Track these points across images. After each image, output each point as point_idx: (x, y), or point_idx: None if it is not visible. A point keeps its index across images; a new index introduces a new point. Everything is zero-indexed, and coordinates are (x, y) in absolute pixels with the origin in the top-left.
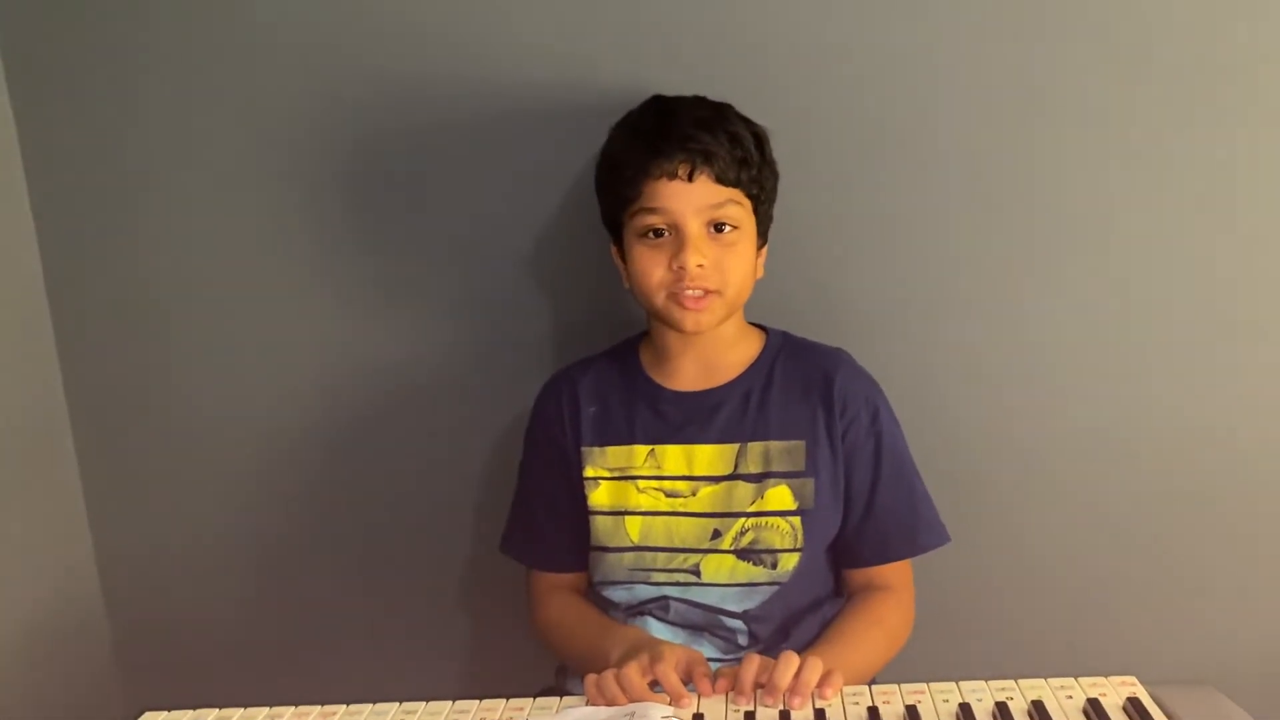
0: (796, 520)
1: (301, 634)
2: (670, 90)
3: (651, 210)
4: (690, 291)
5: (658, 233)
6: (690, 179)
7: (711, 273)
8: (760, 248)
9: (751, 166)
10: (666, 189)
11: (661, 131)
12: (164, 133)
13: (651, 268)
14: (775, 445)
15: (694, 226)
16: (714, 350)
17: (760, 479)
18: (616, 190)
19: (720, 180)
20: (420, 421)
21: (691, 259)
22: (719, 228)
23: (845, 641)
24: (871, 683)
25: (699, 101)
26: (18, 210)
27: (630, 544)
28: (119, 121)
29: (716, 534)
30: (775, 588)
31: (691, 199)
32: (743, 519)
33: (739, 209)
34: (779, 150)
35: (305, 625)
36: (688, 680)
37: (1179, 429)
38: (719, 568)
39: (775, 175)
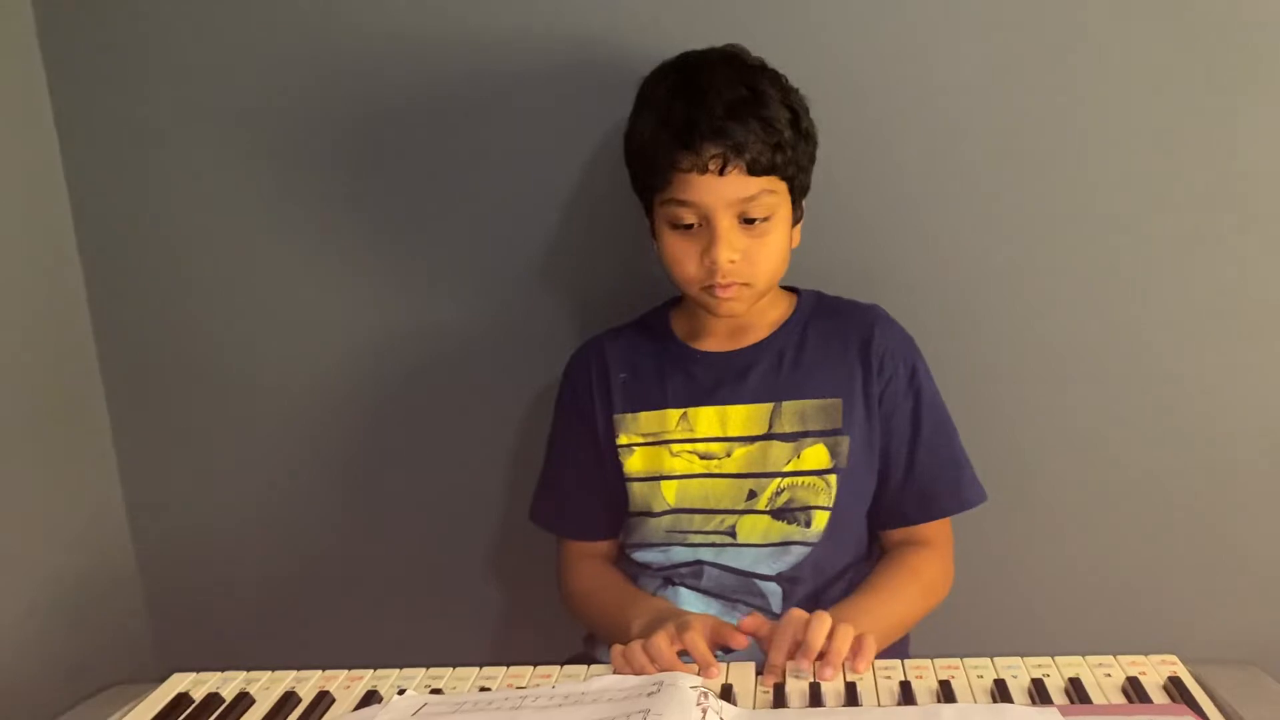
0: (832, 478)
1: (330, 599)
2: (699, 45)
3: (681, 203)
4: (722, 281)
5: (688, 224)
6: (721, 173)
7: (742, 266)
8: (797, 221)
9: (785, 149)
10: (697, 182)
11: (690, 122)
12: (197, 112)
13: (683, 259)
14: (811, 404)
15: (725, 221)
16: (748, 314)
17: (797, 438)
18: (644, 176)
19: (752, 171)
20: (450, 391)
21: (723, 254)
22: (751, 219)
23: (881, 592)
24: (904, 657)
25: (730, 75)
26: (53, 180)
27: (667, 507)
28: (152, 100)
29: (752, 494)
30: (808, 548)
31: (723, 193)
32: (779, 479)
33: (772, 196)
34: (817, 115)
35: (334, 590)
36: (716, 648)
37: (1225, 403)
38: (754, 528)
39: (813, 142)
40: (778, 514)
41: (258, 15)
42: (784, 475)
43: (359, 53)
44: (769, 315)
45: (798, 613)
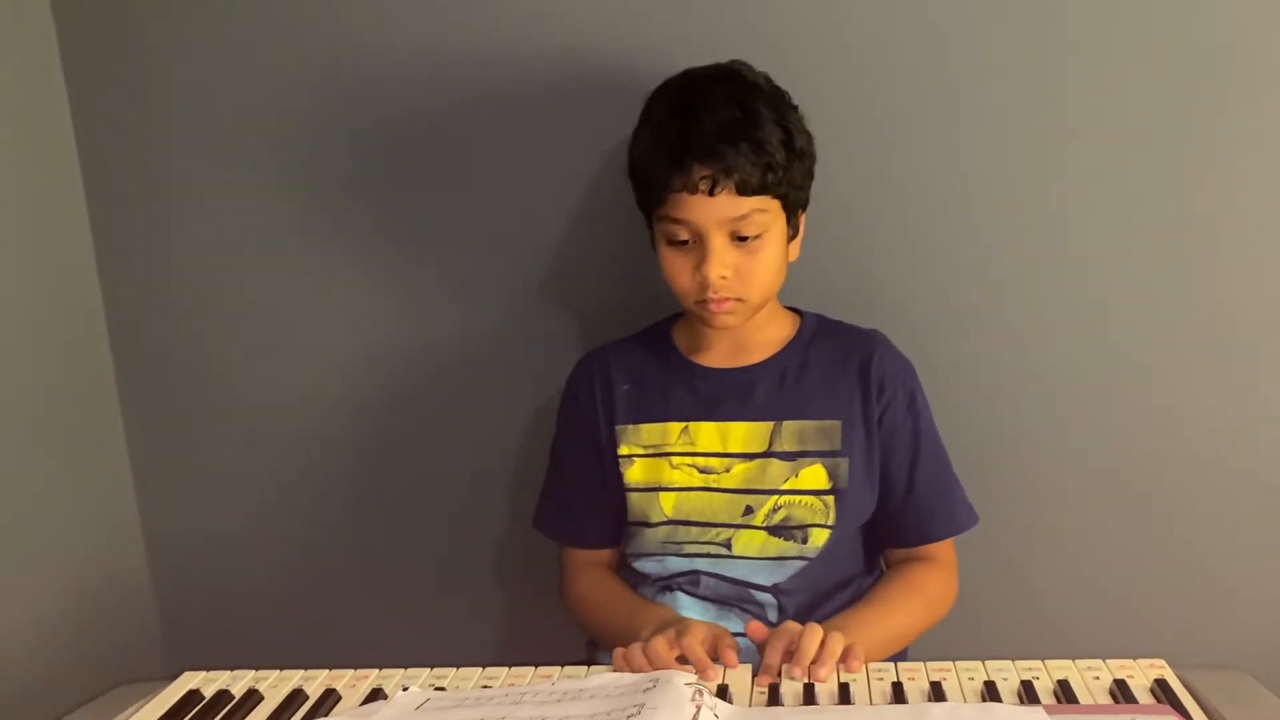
0: (830, 499)
1: (339, 601)
2: (703, 59)
3: (675, 220)
4: (714, 296)
5: (682, 240)
6: (711, 193)
7: (734, 282)
8: (793, 237)
9: (777, 170)
10: (688, 201)
11: (682, 141)
12: (213, 129)
13: (677, 273)
14: (810, 425)
15: (716, 239)
16: (747, 331)
17: (795, 457)
18: (642, 192)
19: (742, 191)
20: (456, 399)
21: (713, 271)
22: (743, 236)
23: (880, 605)
24: (897, 660)
25: (726, 95)
26: (73, 201)
27: (664, 518)
28: (169, 118)
29: (749, 510)
30: (804, 562)
31: (713, 212)
32: (775, 496)
33: (764, 215)
34: (814, 130)
35: (342, 593)
36: (714, 655)
37: (1216, 414)
38: (750, 542)
39: (809, 160)
40: (774, 530)
41: (271, 32)
42: (781, 493)
43: (368, 68)
44: (771, 334)
45: (793, 624)
